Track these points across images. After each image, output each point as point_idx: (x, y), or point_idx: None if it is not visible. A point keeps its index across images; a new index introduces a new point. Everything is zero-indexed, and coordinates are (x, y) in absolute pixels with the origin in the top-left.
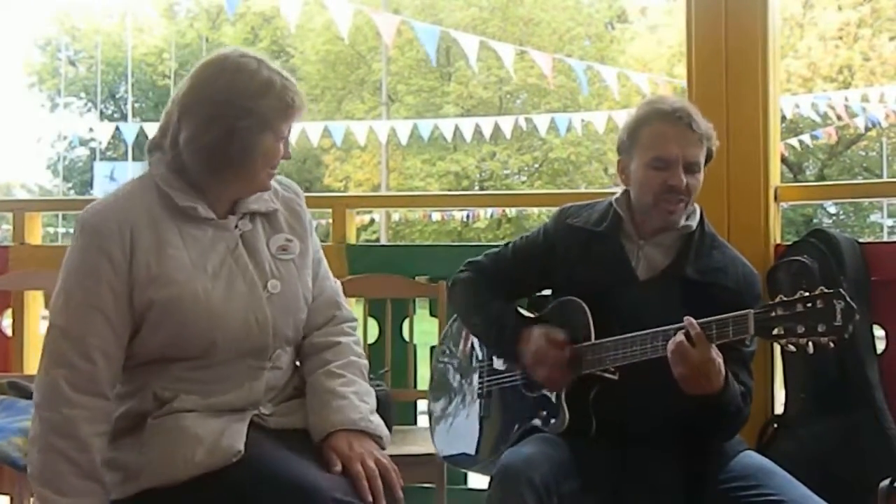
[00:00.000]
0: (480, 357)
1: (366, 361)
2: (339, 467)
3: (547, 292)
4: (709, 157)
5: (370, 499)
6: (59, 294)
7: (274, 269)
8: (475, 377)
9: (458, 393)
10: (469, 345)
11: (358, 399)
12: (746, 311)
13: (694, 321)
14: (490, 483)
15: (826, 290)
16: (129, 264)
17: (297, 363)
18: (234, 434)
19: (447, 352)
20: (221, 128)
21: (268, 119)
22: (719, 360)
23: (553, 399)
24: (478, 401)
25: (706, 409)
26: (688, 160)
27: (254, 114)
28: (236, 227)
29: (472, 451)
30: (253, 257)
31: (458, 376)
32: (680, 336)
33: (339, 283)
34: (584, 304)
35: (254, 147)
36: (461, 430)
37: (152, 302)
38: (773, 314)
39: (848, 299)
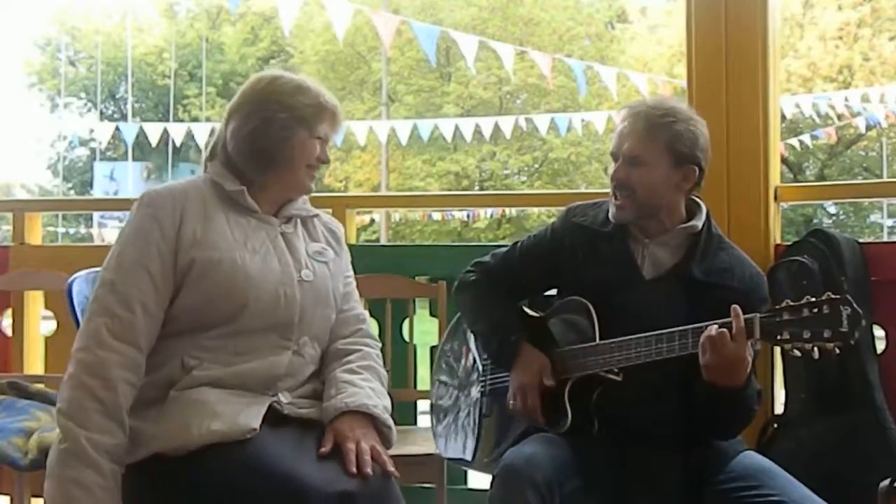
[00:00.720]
0: (484, 356)
1: (385, 373)
2: (326, 448)
3: (552, 291)
4: (678, 156)
5: (354, 469)
6: (112, 253)
7: (309, 264)
8: (477, 376)
9: (460, 392)
10: (470, 345)
11: (374, 393)
12: (753, 315)
13: (741, 313)
14: (492, 483)
15: (833, 296)
16: (178, 231)
17: (320, 369)
18: (251, 413)
19: (449, 351)
20: (260, 118)
21: (303, 115)
22: (749, 359)
23: (555, 398)
24: (480, 399)
25: (723, 402)
26: (624, 153)
27: (289, 108)
28: (280, 227)
29: (473, 450)
30: (291, 249)
31: (460, 376)
32: (720, 328)
33: (366, 313)
34: (588, 304)
35: (289, 138)
36: (462, 429)
37: (193, 261)
38: (780, 319)
39: (854, 305)
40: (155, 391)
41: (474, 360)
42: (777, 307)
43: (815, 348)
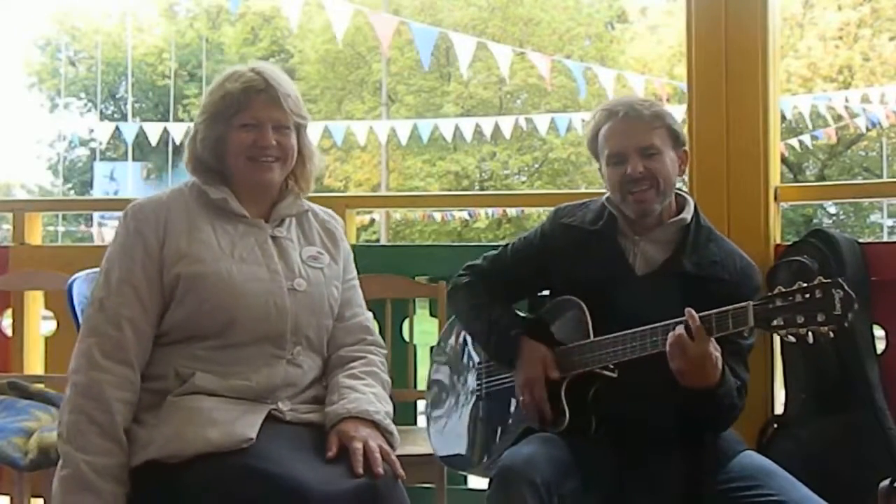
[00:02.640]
0: (478, 359)
1: (389, 379)
2: (333, 451)
3: (546, 293)
4: (676, 139)
5: (360, 469)
6: (101, 270)
7: (302, 271)
8: (473, 378)
9: (455, 394)
10: (463, 346)
11: (376, 399)
12: (746, 303)
13: (694, 313)
14: (490, 483)
15: (824, 280)
16: (162, 246)
17: (322, 376)
18: (248, 422)
19: (443, 353)
20: (193, 127)
21: (214, 111)
22: (717, 354)
23: (552, 398)
24: (476, 402)
25: (701, 401)
26: (640, 146)
27: (205, 110)
28: (272, 230)
29: (470, 453)
30: (282, 256)
31: (454, 378)
32: (679, 329)
33: (371, 315)
34: (581, 303)
35: (208, 139)
36: (459, 432)
37: (179, 276)
38: (773, 305)
39: (846, 288)
40: (151, 397)
41: (471, 362)
42: (769, 294)
43: (810, 333)
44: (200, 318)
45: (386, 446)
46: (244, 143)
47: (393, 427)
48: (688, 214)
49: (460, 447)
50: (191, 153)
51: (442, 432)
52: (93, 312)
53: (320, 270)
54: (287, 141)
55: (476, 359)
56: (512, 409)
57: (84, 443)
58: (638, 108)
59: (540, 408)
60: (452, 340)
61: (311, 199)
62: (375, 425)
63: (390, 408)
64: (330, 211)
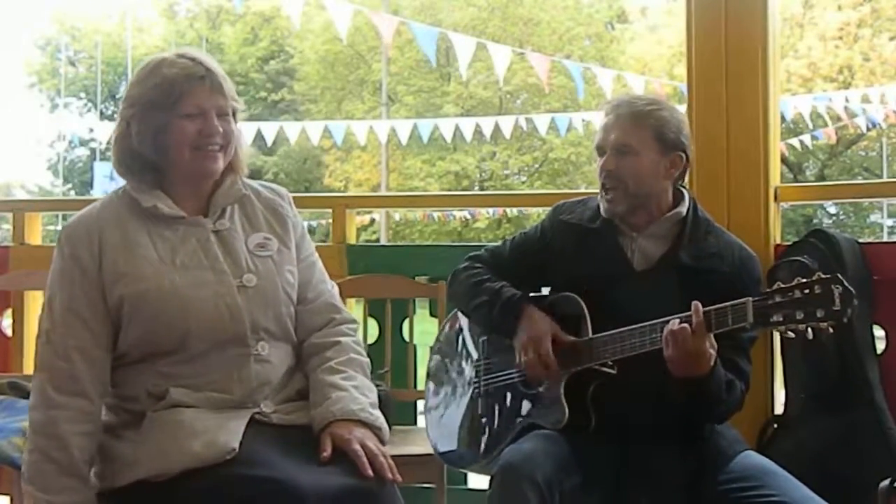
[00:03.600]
0: (476, 357)
1: (366, 359)
2: (328, 452)
3: (545, 291)
4: (667, 143)
5: (370, 472)
6: (45, 300)
7: (251, 264)
8: (471, 376)
9: (453, 392)
10: (461, 339)
11: (358, 392)
12: (745, 299)
13: (700, 308)
14: (491, 481)
15: (823, 276)
16: (99, 266)
17: (298, 364)
18: (230, 431)
19: (440, 345)
20: (120, 124)
21: (150, 101)
22: (712, 351)
23: (551, 395)
24: (476, 400)
25: (689, 392)
26: (612, 143)
27: (137, 101)
28: (213, 225)
29: (470, 450)
30: (227, 252)
31: (451, 369)
32: (680, 323)
33: (336, 286)
34: (580, 300)
35: (146, 132)
36: (458, 430)
37: (123, 298)
38: (772, 301)
39: (846, 284)
40: (130, 416)
41: (469, 357)
42: (768, 290)
43: (809, 328)
44: (154, 335)
45: (380, 446)
46: (189, 133)
47: (381, 420)
48: (683, 208)
49: (460, 443)
50: (122, 151)
51: (438, 424)
52: (41, 345)
53: (269, 258)
54: (229, 127)
55: (474, 355)
56: (511, 406)
57: (45, 483)
58: (631, 104)
59: (545, 362)
60: (450, 333)
61: (309, 199)
62: (363, 423)
63: (374, 395)
64: (274, 185)
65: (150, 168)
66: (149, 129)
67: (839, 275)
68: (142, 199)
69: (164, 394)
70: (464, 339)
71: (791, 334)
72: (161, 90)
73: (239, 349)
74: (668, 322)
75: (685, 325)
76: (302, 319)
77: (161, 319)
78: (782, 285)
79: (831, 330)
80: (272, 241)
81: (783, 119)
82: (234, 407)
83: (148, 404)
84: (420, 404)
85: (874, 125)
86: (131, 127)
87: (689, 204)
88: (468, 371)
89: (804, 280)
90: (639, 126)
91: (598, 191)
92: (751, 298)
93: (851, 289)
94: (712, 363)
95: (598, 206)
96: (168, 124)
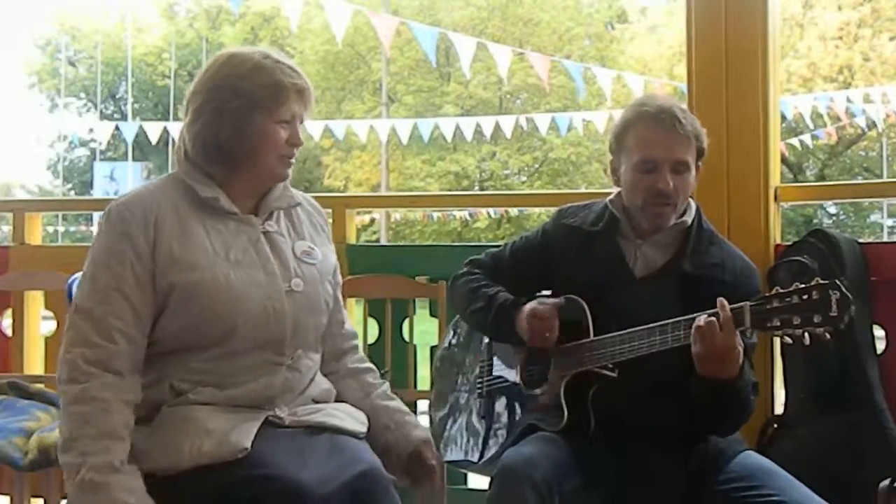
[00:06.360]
0: (479, 357)
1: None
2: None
3: (546, 293)
4: (700, 154)
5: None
6: (84, 278)
7: (298, 269)
8: (474, 378)
9: (457, 394)
10: (464, 345)
11: (412, 416)
12: (743, 303)
13: (727, 304)
14: (491, 483)
15: (822, 281)
16: (153, 249)
17: (317, 373)
18: (243, 431)
19: (444, 354)
20: (212, 112)
21: (256, 99)
22: (740, 349)
23: (551, 397)
24: (477, 401)
25: (716, 395)
26: (674, 161)
27: (241, 94)
28: (262, 226)
29: (471, 452)
30: (276, 253)
31: (457, 379)
32: (708, 318)
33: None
34: (582, 302)
35: (245, 128)
36: (460, 431)
37: (173, 286)
38: (770, 306)
39: (844, 289)
40: (142, 410)
41: (472, 362)
42: (766, 295)
43: (806, 334)
44: (198, 328)
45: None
46: (280, 139)
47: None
48: (689, 217)
49: (461, 447)
50: (206, 138)
51: (447, 433)
52: (78, 321)
53: (314, 266)
54: (301, 138)
55: (478, 357)
56: (512, 408)
57: (83, 447)
58: (680, 118)
59: (548, 325)
60: (453, 340)
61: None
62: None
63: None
64: (313, 202)
65: (225, 161)
66: (246, 126)
67: (837, 280)
68: (199, 189)
69: (187, 391)
70: (468, 343)
71: (788, 339)
72: (270, 92)
73: (275, 355)
74: (667, 325)
75: (712, 319)
76: (335, 341)
77: (210, 312)
78: (780, 290)
79: (828, 336)
80: (316, 251)
81: (783, 119)
82: (249, 407)
83: (168, 397)
84: (420, 404)
85: (874, 125)
86: (225, 117)
87: (695, 213)
88: (472, 376)
89: (802, 285)
90: (694, 143)
91: (598, 191)
92: (748, 303)
93: (849, 294)
94: (739, 366)
95: (602, 210)
96: (264, 126)
